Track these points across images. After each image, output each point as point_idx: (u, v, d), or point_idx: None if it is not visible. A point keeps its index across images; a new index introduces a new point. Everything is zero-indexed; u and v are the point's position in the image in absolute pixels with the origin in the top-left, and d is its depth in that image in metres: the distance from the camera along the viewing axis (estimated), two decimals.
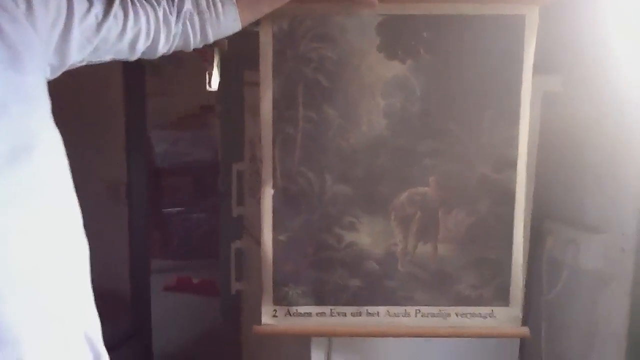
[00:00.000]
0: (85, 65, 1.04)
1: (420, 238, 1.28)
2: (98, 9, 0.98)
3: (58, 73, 0.97)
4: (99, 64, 1.06)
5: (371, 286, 1.29)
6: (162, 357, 2.79)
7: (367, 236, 1.28)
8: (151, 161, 4.76)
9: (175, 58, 5.11)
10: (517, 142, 1.24)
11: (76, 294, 0.93)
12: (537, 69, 1.29)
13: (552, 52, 1.47)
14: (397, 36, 1.22)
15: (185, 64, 5.02)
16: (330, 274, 1.29)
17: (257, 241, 1.70)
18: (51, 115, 0.91)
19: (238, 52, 2.04)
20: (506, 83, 1.22)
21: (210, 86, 5.15)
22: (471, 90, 1.23)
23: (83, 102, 2.52)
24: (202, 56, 5.00)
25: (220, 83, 3.71)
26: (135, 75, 2.54)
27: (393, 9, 1.21)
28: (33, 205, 0.85)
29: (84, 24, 0.96)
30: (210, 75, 5.08)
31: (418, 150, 1.25)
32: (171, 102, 5.06)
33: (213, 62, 4.44)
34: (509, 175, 1.24)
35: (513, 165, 1.24)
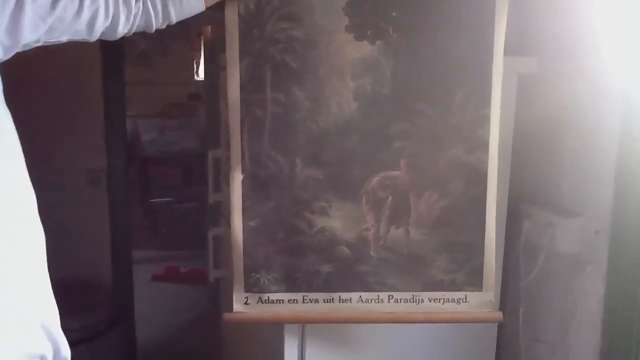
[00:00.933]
0: (47, 47, 1.01)
1: (392, 222, 1.26)
2: None
3: (11, 53, 0.94)
4: (60, 45, 1.03)
5: (343, 272, 1.27)
6: (145, 346, 2.77)
7: (338, 221, 1.26)
8: (138, 150, 4.72)
9: (163, 47, 5.08)
10: (488, 123, 1.21)
11: (31, 282, 0.91)
12: (512, 51, 1.27)
13: (527, 34, 1.46)
14: (366, 16, 1.19)
15: (173, 52, 4.99)
16: (301, 260, 1.27)
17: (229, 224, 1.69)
18: (2, 96, 0.88)
19: (219, 37, 2.01)
20: (477, 63, 1.20)
21: (197, 75, 5.12)
22: (441, 71, 1.20)
23: (62, 89, 2.49)
24: (190, 45, 4.96)
25: (205, 71, 3.69)
26: (114, 62, 2.51)
27: None
28: None
29: (37, 2, 0.92)
30: (198, 64, 5.04)
31: (389, 133, 1.23)
32: (159, 90, 5.03)
33: (201, 50, 4.41)
34: (481, 157, 1.22)
35: (485, 146, 1.22)
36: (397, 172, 1.24)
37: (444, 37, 1.19)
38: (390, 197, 1.25)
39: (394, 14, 1.19)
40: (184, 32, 4.49)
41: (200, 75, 4.68)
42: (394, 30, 1.19)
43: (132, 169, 4.32)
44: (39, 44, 0.98)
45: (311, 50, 1.20)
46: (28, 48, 0.97)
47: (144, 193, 4.75)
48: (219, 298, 2.07)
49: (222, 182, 1.81)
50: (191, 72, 5.14)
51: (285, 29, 1.20)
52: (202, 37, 4.02)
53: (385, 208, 1.26)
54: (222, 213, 1.84)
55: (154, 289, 3.64)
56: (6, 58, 0.93)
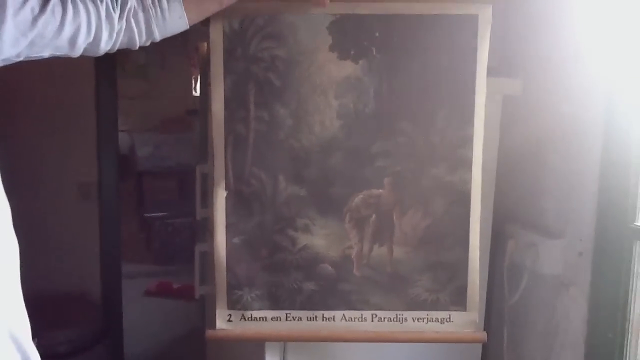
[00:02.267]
0: (39, 60, 1.01)
1: (375, 241, 1.26)
2: (34, 2, 0.95)
3: None
4: (53, 58, 1.03)
5: (326, 290, 1.27)
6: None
7: (321, 239, 1.26)
8: (133, 164, 4.73)
9: (162, 61, 5.10)
10: (471, 143, 1.22)
11: (0, 292, 0.90)
12: (497, 72, 1.28)
13: (512, 56, 1.47)
14: (349, 36, 1.20)
15: (173, 67, 5.02)
16: (284, 277, 1.27)
17: None
18: None
19: None
20: (460, 83, 1.21)
21: (196, 91, 5.15)
22: (424, 90, 1.21)
23: (55, 102, 2.50)
24: (189, 61, 5.00)
25: (200, 87, 3.70)
26: (107, 75, 2.52)
27: (344, 8, 1.19)
28: None
29: (18, 17, 0.93)
30: (196, 80, 5.07)
31: (372, 151, 1.23)
32: (157, 105, 5.05)
33: (198, 67, 4.44)
34: (463, 177, 1.23)
35: (468, 166, 1.23)
36: (381, 190, 1.24)
37: (426, 56, 1.20)
38: (373, 216, 1.25)
39: (377, 34, 1.20)
40: (183, 47, 4.52)
41: (199, 90, 4.70)
42: (377, 50, 1.20)
43: (126, 183, 4.34)
44: (21, 59, 0.99)
45: (294, 68, 1.21)
46: (9, 62, 0.97)
47: (138, 207, 4.75)
48: (203, 314, 2.06)
49: (210, 198, 1.81)
50: (189, 87, 5.17)
51: (269, 47, 1.21)
52: (198, 53, 4.05)
53: (368, 226, 1.26)
54: (208, 229, 1.84)
55: (146, 303, 3.63)
56: None
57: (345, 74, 1.21)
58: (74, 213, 2.58)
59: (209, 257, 1.86)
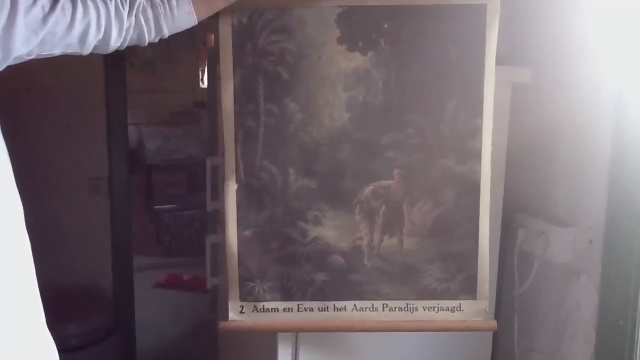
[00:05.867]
0: (47, 59, 1.02)
1: (385, 231, 1.27)
2: (44, 0, 0.96)
3: (3, 66, 0.95)
4: (55, 57, 1.04)
5: (337, 280, 1.28)
6: (145, 353, 2.78)
7: (332, 230, 1.27)
8: (143, 157, 4.75)
9: (169, 54, 5.11)
10: (480, 133, 1.22)
11: (19, 289, 0.92)
12: (505, 61, 1.28)
13: (521, 44, 1.47)
14: (357, 28, 1.20)
15: (179, 60, 5.03)
16: (296, 269, 1.28)
17: None
18: None
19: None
20: (468, 73, 1.21)
21: (203, 83, 5.15)
22: (433, 81, 1.21)
23: (64, 98, 2.52)
24: (196, 53, 5.00)
25: (209, 79, 3.71)
26: (115, 70, 2.53)
27: (352, 0, 1.19)
28: None
29: (29, 16, 0.94)
30: (204, 71, 5.08)
31: (381, 143, 1.24)
32: (165, 98, 5.06)
33: (206, 59, 4.44)
34: (473, 167, 1.23)
35: (477, 156, 1.23)
36: (390, 181, 1.25)
37: (434, 47, 1.20)
38: (383, 207, 1.26)
39: (385, 26, 1.20)
40: (190, 40, 4.52)
41: (205, 83, 4.71)
42: (385, 41, 1.20)
43: (136, 176, 4.36)
44: (32, 57, 1.00)
45: (303, 62, 1.22)
46: (20, 61, 0.98)
47: (147, 200, 4.78)
48: (215, 305, 2.08)
49: (220, 190, 1.82)
50: (197, 80, 5.17)
51: (278, 41, 1.21)
52: (206, 45, 4.05)
53: (378, 217, 1.26)
54: (219, 221, 1.85)
55: (156, 296, 3.66)
56: (5, 65, 0.94)
57: (353, 66, 1.22)
58: (85, 207, 2.60)
59: (220, 249, 1.88)
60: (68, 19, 0.98)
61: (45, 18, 0.96)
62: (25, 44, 0.95)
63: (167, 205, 4.47)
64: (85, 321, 2.41)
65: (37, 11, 0.95)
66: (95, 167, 2.61)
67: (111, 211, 2.62)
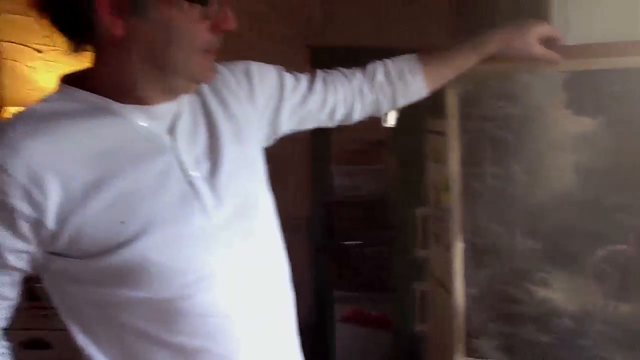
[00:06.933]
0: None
1: (619, 297, 1.23)
2: (304, 85, 1.11)
3: (271, 142, 1.11)
4: None
5: (564, 344, 1.27)
6: None
7: (560, 292, 1.26)
8: (329, 195, 5.00)
9: None
10: None
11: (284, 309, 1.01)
12: None
13: None
14: (585, 92, 1.21)
15: None
16: (520, 329, 1.29)
17: (441, 284, 1.75)
18: (266, 179, 1.02)
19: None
20: None
21: (385, 122, 5.31)
22: None
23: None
24: None
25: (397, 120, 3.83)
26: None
27: (580, 64, 1.20)
28: (258, 248, 0.94)
29: (292, 99, 1.09)
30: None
31: (611, 206, 1.21)
32: (347, 137, 5.29)
33: None
34: None
35: None
36: (625, 246, 1.22)
37: None
38: (617, 271, 1.23)
39: (614, 89, 1.19)
40: None
41: (389, 122, 4.85)
42: (616, 104, 1.19)
43: (324, 212, 4.59)
44: (288, 132, 1.14)
45: (528, 126, 1.25)
46: (277, 137, 1.12)
47: (333, 236, 5.00)
48: (417, 350, 2.13)
49: (430, 240, 1.89)
50: (378, 119, 5.33)
51: (503, 107, 1.26)
52: None
53: (611, 282, 1.23)
54: (429, 270, 1.92)
55: (341, 330, 3.79)
56: (267, 145, 1.10)
57: (581, 129, 1.22)
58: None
59: (427, 295, 1.94)
60: (321, 99, 1.13)
61: (304, 100, 1.11)
62: (288, 122, 1.10)
63: (351, 242, 4.64)
64: None
65: (299, 95, 1.10)
66: (296, 207, 2.78)
67: (312, 249, 2.79)
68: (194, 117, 0.93)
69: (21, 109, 2.24)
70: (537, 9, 1.26)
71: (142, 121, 0.86)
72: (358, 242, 4.54)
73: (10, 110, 2.21)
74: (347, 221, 4.98)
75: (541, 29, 1.16)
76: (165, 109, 0.88)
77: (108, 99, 0.84)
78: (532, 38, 1.15)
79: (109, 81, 0.84)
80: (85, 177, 0.80)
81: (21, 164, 0.77)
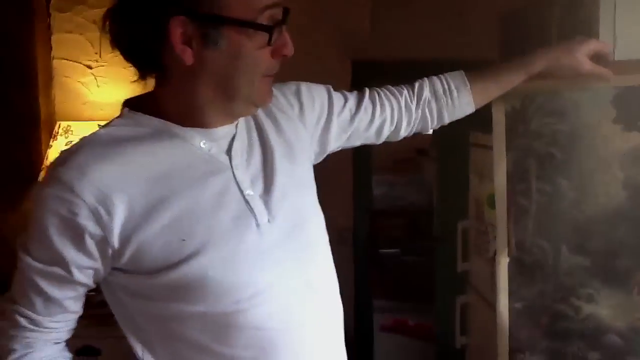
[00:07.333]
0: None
1: None
2: (351, 103, 1.13)
3: (320, 159, 1.14)
4: None
5: None
6: None
7: (607, 309, 1.26)
8: (372, 204, 5.02)
9: None
10: None
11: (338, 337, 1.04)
12: None
13: None
14: (636, 107, 1.20)
15: None
16: (567, 345, 1.29)
17: (483, 298, 1.75)
18: (316, 196, 1.05)
19: None
20: None
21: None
22: None
23: None
24: None
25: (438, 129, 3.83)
26: None
27: (629, 80, 1.20)
28: (309, 264, 0.96)
29: (340, 117, 1.12)
30: None
31: None
32: (389, 146, 5.30)
33: None
34: None
35: None
36: None
37: None
38: None
39: None
40: None
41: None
42: None
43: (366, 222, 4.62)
44: (337, 149, 1.17)
45: (577, 142, 1.25)
46: (325, 156, 1.15)
47: (372, 244, 5.02)
48: None
49: (471, 253, 1.89)
50: None
51: (550, 123, 1.26)
52: None
53: None
54: (470, 283, 1.92)
55: (381, 339, 3.80)
56: (316, 163, 1.13)
57: (631, 145, 1.21)
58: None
59: (469, 309, 1.94)
60: (369, 116, 1.15)
61: (352, 118, 1.13)
62: (337, 140, 1.13)
63: (391, 250, 4.65)
64: None
65: (347, 113, 1.13)
66: (341, 218, 2.82)
67: (355, 259, 2.81)
68: (249, 138, 0.97)
69: (72, 122, 2.28)
70: (584, 24, 1.26)
71: (203, 143, 0.90)
72: (396, 251, 4.55)
73: (63, 125, 2.30)
74: (386, 230, 4.99)
75: (590, 46, 1.16)
76: (223, 132, 0.92)
77: (170, 123, 0.89)
78: (580, 55, 1.15)
79: (172, 106, 0.89)
80: (148, 197, 0.84)
81: (89, 186, 0.82)
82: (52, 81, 2.45)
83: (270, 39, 0.85)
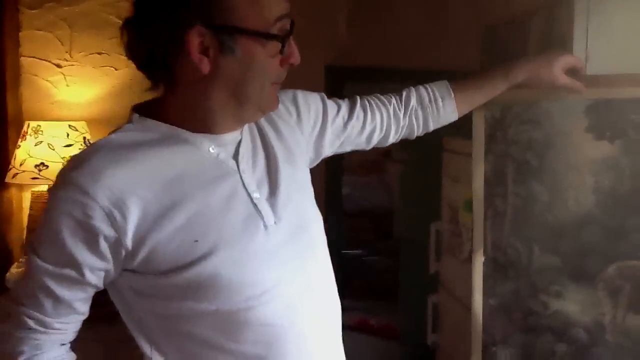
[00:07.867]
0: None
1: (629, 309, 1.32)
2: (344, 111, 1.19)
3: (314, 165, 1.18)
4: None
5: (578, 352, 1.35)
6: None
7: (573, 304, 1.35)
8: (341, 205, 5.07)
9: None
10: None
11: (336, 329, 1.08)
12: None
13: None
14: (605, 118, 1.30)
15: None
16: (537, 338, 1.37)
17: (454, 297, 1.83)
18: (314, 199, 1.10)
19: None
20: None
21: None
22: None
23: None
24: None
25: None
26: None
27: (600, 93, 1.29)
28: (312, 263, 1.01)
29: (334, 124, 1.17)
30: None
31: (627, 227, 1.30)
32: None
33: None
34: None
35: None
36: (636, 261, 1.30)
37: None
38: (628, 285, 1.32)
39: (632, 117, 1.29)
40: None
41: None
42: (634, 131, 1.28)
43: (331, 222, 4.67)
44: (329, 155, 1.22)
45: (550, 149, 1.34)
46: (318, 161, 1.20)
47: (338, 245, 5.07)
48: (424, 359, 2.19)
49: (444, 254, 1.97)
50: None
51: (526, 131, 1.35)
52: None
53: (622, 295, 1.32)
54: (441, 282, 2.00)
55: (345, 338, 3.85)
56: (310, 168, 1.17)
57: (601, 154, 1.31)
58: None
59: (439, 307, 2.02)
60: (360, 124, 1.20)
61: (345, 125, 1.18)
62: (330, 146, 1.18)
63: (355, 251, 4.72)
64: None
65: (340, 120, 1.18)
66: None
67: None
68: (253, 143, 1.01)
69: (42, 122, 2.18)
70: (560, 41, 1.35)
71: (211, 148, 0.94)
72: (360, 252, 4.61)
73: (32, 125, 2.22)
74: (351, 231, 5.06)
75: (566, 60, 1.25)
76: (230, 137, 0.96)
77: (180, 129, 0.92)
78: (558, 68, 1.24)
79: (183, 112, 0.92)
80: (161, 201, 0.88)
81: (104, 190, 0.84)
82: (19, 79, 2.37)
83: (282, 48, 0.90)
